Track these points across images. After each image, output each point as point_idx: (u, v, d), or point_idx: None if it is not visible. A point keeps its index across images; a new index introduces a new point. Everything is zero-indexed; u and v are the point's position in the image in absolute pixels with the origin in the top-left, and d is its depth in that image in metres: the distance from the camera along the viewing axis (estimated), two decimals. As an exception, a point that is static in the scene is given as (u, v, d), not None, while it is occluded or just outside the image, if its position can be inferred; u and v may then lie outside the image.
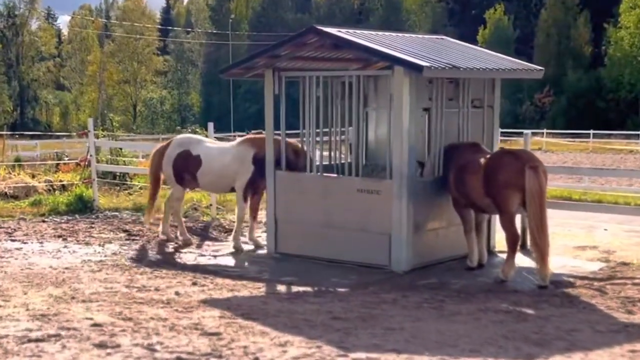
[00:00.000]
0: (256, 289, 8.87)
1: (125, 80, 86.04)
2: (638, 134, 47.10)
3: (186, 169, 12.06)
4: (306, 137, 11.14)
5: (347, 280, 9.75)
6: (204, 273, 9.91)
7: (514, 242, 9.47)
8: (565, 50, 68.86)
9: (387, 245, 10.18)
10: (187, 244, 12.05)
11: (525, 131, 12.37)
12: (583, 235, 12.99)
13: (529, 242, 10.28)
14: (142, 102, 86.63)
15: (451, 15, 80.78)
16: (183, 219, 12.61)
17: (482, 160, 9.64)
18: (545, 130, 48.58)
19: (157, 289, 8.48)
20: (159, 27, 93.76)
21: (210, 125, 14.81)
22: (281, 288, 9.14)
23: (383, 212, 10.16)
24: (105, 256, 10.94)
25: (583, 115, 64.51)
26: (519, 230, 10.10)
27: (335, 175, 11.13)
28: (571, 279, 9.77)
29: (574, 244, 12.18)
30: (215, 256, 11.30)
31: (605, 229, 13.50)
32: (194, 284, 8.92)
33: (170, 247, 11.92)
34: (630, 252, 11.50)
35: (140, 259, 10.84)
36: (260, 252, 11.60)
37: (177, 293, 8.29)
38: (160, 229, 12.60)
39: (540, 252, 9.14)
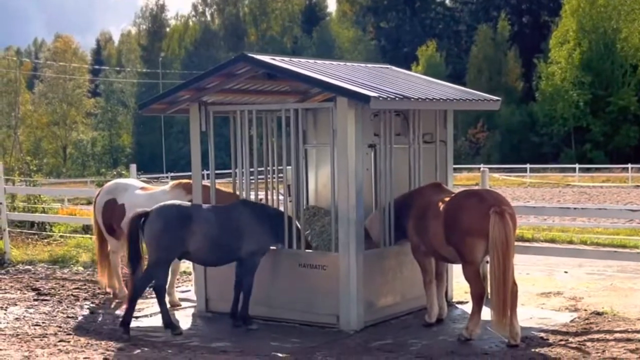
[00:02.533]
0: (181, 364, 7.39)
1: (55, 122, 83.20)
2: (574, 168, 47.10)
3: (113, 219, 10.67)
4: (238, 179, 9.84)
5: (289, 344, 8.41)
6: (122, 340, 8.43)
7: (480, 297, 8.27)
8: (497, 86, 69.02)
9: (335, 304, 8.93)
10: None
11: (482, 167, 11.30)
12: (544, 279, 11.95)
13: (489, 294, 9.09)
14: (72, 144, 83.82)
15: (384, 53, 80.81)
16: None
17: (443, 203, 8.48)
18: (481, 166, 48.17)
19: (56, 371, 6.98)
20: (89, 67, 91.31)
21: (133, 167, 13.37)
22: (211, 360, 7.67)
23: (330, 291, 8.93)
24: (7, 323, 9.36)
25: (517, 149, 64.95)
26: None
27: (273, 247, 9.77)
28: (542, 334, 8.62)
29: (536, 290, 11.10)
30: (137, 317, 9.82)
31: (566, 272, 12.51)
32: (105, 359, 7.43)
33: (85, 308, 10.39)
34: (599, 298, 10.46)
35: (48, 325, 9.28)
36: (189, 309, 10.21)
37: (79, 377, 6.78)
38: (105, 282, 11.12)
39: (503, 308, 7.97)
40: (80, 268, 13.50)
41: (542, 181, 46.08)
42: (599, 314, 9.47)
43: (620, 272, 12.31)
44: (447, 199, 8.56)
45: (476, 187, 11.18)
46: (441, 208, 8.42)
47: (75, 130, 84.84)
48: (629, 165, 44.75)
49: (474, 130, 67.98)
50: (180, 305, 10.43)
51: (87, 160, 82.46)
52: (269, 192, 10.21)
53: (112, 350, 7.82)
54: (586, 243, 15.20)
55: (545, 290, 11.08)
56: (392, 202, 9.25)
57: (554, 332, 8.69)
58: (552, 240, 15.44)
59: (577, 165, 47.24)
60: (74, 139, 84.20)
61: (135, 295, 8.72)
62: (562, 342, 8.20)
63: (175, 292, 10.64)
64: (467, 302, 10.20)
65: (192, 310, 10.15)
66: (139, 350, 7.85)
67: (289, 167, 10.04)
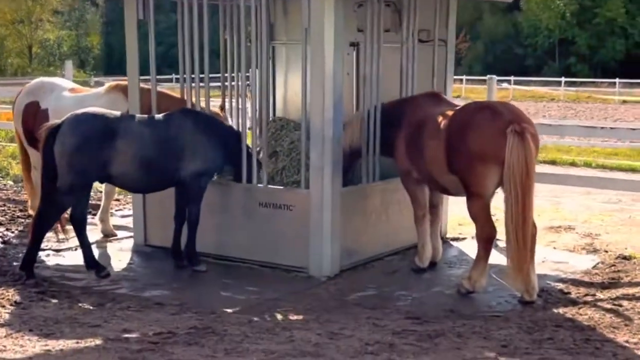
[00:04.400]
0: (89, 330, 5.38)
1: (19, 20, 79.49)
2: (559, 81, 45.23)
3: (34, 127, 8.62)
4: (187, 83, 7.83)
5: (243, 295, 6.60)
6: (28, 286, 6.53)
7: (489, 240, 6.42)
8: (482, -6, 66.30)
9: (305, 245, 7.10)
10: None
11: (489, 75, 9.33)
12: (550, 210, 10.25)
13: (503, 238, 7.24)
14: (37, 43, 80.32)
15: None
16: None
17: (445, 118, 6.55)
18: (464, 77, 46.36)
19: None
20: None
21: (69, 64, 11.26)
22: (133, 327, 5.70)
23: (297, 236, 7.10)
24: None
25: (500, 61, 62.79)
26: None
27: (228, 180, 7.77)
28: (561, 285, 6.90)
29: (543, 223, 9.33)
30: (58, 250, 7.97)
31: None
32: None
33: (-2, 237, 8.50)
34: (619, 235, 8.80)
35: (-58, 261, 7.39)
36: (126, 241, 8.36)
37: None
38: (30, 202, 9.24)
39: (524, 257, 6.18)
40: (10, 182, 11.56)
41: (526, 94, 44.26)
42: (625, 257, 7.76)
43: (637, 201, 10.62)
44: (449, 112, 6.64)
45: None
46: (442, 125, 6.50)
47: (41, 28, 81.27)
48: (617, 80, 42.92)
49: (455, 41, 65.62)
50: (116, 235, 8.57)
51: (53, 61, 79.27)
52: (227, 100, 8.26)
53: (3, 306, 5.89)
54: (591, 165, 13.50)
55: (554, 223, 9.39)
56: (378, 112, 7.35)
57: (575, 283, 6.98)
58: (553, 162, 13.69)
59: (562, 79, 45.31)
60: (40, 37, 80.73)
61: (40, 229, 6.81)
62: (590, 299, 6.47)
63: (110, 219, 8.77)
64: (464, 239, 8.50)
65: (129, 243, 8.29)
66: (41, 304, 5.94)
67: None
